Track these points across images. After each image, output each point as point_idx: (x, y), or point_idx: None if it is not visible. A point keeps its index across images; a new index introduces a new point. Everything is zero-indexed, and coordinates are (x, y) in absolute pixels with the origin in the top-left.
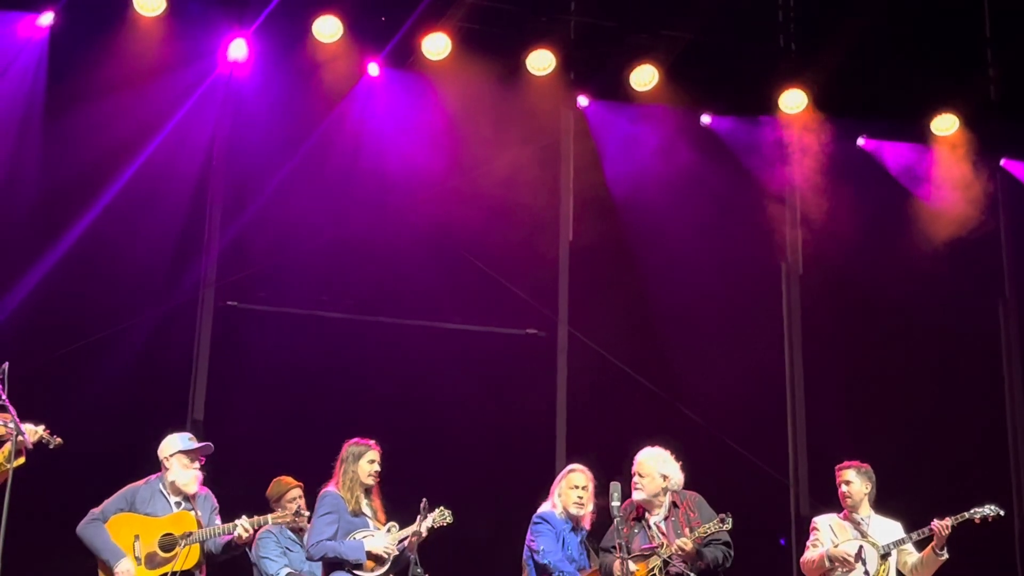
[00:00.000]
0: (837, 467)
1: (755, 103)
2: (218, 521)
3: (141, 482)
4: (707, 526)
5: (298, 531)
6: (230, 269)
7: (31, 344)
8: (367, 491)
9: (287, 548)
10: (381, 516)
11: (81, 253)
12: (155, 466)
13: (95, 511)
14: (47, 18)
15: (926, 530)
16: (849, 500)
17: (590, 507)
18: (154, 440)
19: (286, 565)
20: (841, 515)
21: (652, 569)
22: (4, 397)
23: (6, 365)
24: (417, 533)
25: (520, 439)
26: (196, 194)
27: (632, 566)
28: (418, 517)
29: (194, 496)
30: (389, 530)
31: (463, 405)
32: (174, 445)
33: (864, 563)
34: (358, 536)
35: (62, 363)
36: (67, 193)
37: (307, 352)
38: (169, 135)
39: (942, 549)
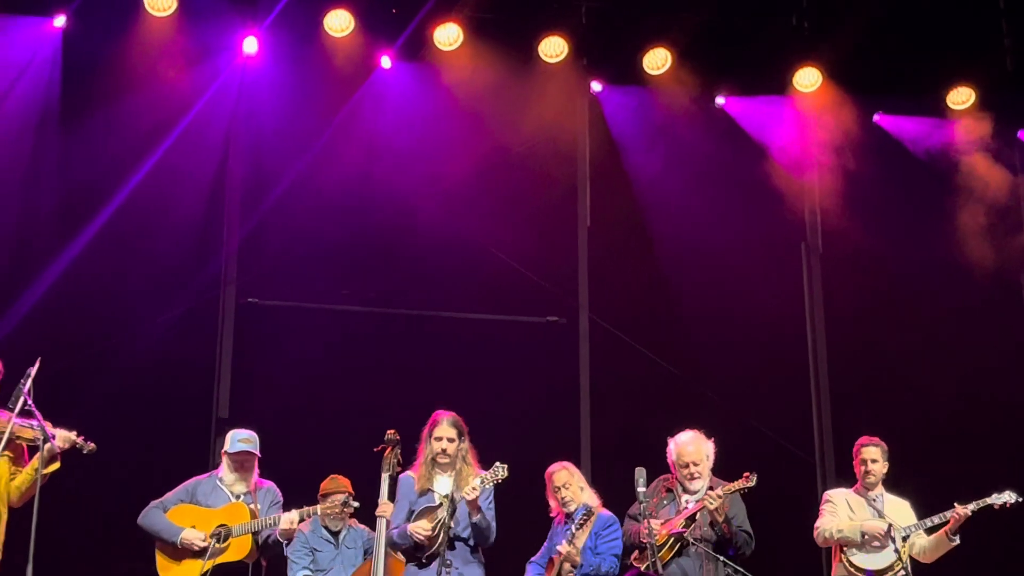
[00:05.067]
0: (859, 443)
1: (769, 82)
2: (279, 514)
3: (205, 475)
4: (732, 484)
5: (335, 532)
6: (249, 266)
7: (51, 345)
8: (445, 468)
9: (315, 548)
10: (464, 486)
11: (99, 254)
12: (180, 465)
13: (155, 502)
14: (60, 21)
15: (946, 514)
16: (871, 477)
17: (575, 502)
18: (179, 439)
19: (306, 567)
20: (853, 489)
21: (675, 530)
22: (31, 403)
23: (31, 370)
24: (460, 498)
25: (544, 427)
26: (213, 192)
27: (656, 526)
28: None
29: (255, 489)
30: (441, 504)
31: (485, 395)
32: (226, 444)
33: (893, 542)
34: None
35: (84, 364)
36: (84, 194)
37: (329, 346)
38: (184, 133)
39: (955, 534)
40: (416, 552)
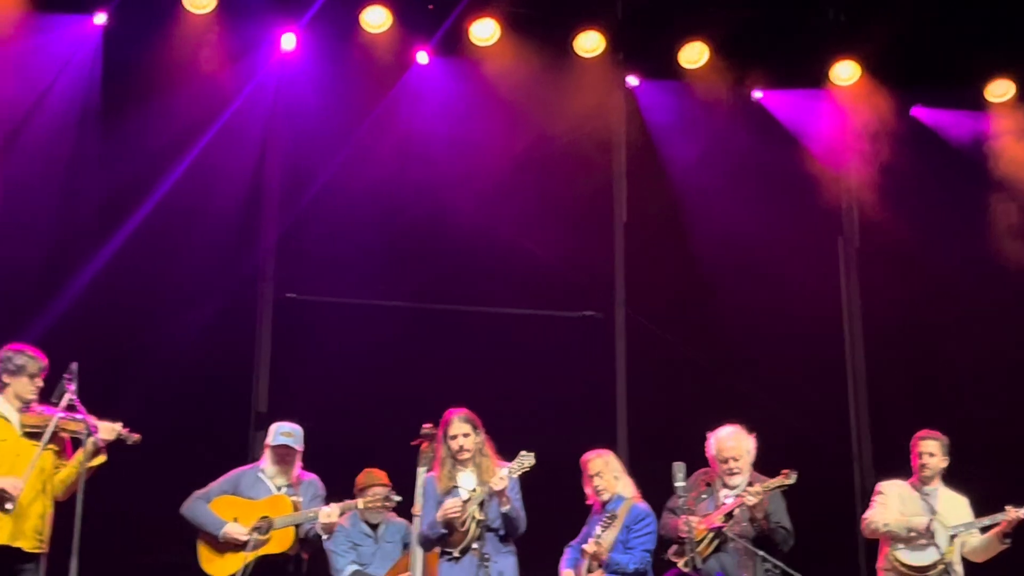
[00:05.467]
0: (917, 436)
1: (807, 76)
2: (319, 507)
3: (248, 466)
4: (771, 481)
5: (374, 526)
6: (287, 261)
7: (94, 339)
8: (466, 463)
9: (355, 543)
10: (488, 477)
11: (140, 249)
12: (219, 457)
13: (199, 492)
14: (100, 18)
15: (998, 516)
16: (927, 471)
17: (608, 491)
18: (219, 434)
19: (354, 561)
20: (909, 483)
21: (714, 525)
22: (75, 397)
23: (75, 365)
24: (488, 488)
25: (581, 422)
26: (251, 187)
27: (694, 521)
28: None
29: (298, 482)
30: (470, 497)
31: (522, 390)
32: (268, 436)
33: (935, 539)
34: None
35: (125, 359)
36: (124, 190)
37: (366, 342)
38: (222, 129)
39: (1007, 537)
40: (447, 544)
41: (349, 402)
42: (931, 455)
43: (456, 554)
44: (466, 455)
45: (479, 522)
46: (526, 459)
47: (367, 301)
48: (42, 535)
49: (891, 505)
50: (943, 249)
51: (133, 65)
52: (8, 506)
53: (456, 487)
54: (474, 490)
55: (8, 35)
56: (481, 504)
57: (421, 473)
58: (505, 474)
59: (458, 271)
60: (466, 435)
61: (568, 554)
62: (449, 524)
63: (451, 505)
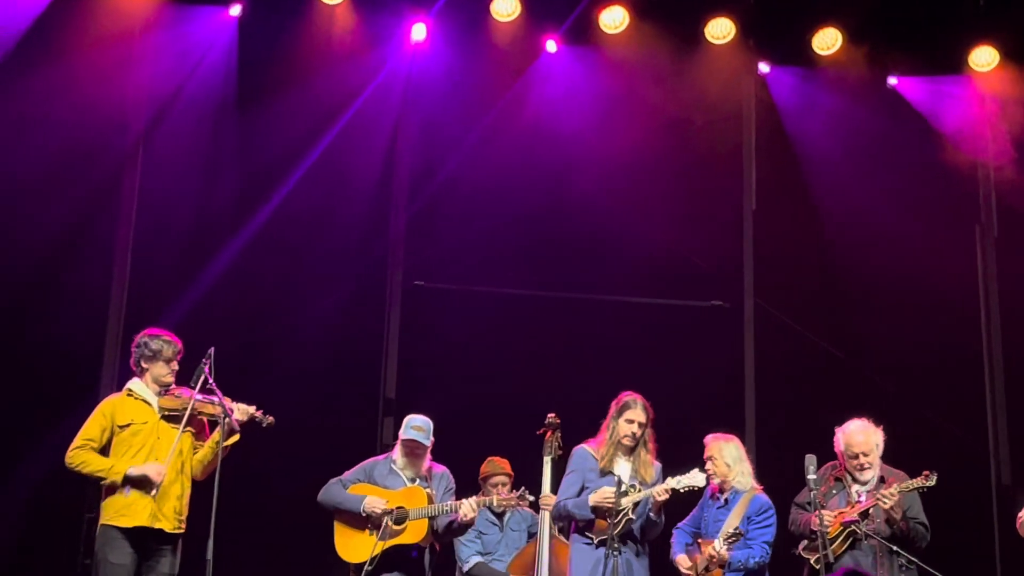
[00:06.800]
0: None
1: (943, 62)
2: (452, 501)
3: (381, 456)
4: (911, 481)
5: (500, 514)
6: (417, 249)
7: (228, 325)
8: (628, 451)
9: (481, 531)
10: (646, 475)
11: (273, 237)
12: (349, 442)
13: (335, 479)
14: (235, 10)
15: None
16: None
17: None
18: (348, 417)
19: (478, 551)
20: None
21: (848, 524)
22: (211, 381)
23: (212, 350)
24: (651, 496)
25: (707, 412)
26: (382, 176)
27: (828, 518)
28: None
29: (429, 473)
30: (627, 491)
31: (648, 379)
32: (401, 429)
33: None
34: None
35: (256, 346)
36: (259, 178)
37: (493, 330)
38: (354, 119)
39: None
40: (588, 528)
41: (474, 389)
42: None
43: (595, 541)
44: (632, 443)
45: (628, 520)
46: (697, 478)
47: (494, 289)
48: (181, 516)
49: None
50: None
51: (267, 56)
52: (152, 492)
53: (612, 473)
54: (633, 486)
55: (147, 27)
56: (636, 504)
57: (547, 462)
58: (671, 487)
59: (585, 259)
60: (641, 424)
61: (677, 536)
62: (598, 512)
63: (607, 496)
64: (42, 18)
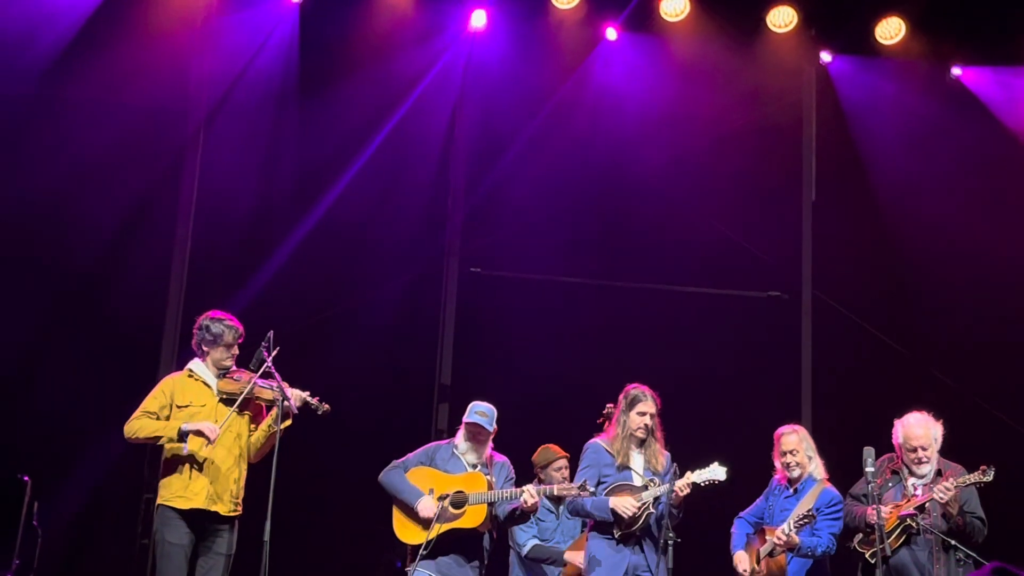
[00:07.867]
0: None
1: (1008, 52)
2: (513, 488)
3: (444, 441)
4: (968, 476)
5: (555, 499)
6: (474, 237)
7: (287, 312)
8: (640, 443)
9: (538, 518)
10: (657, 465)
11: (333, 224)
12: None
13: (397, 462)
14: None
15: None
16: None
17: (800, 468)
18: (404, 402)
19: (535, 536)
20: None
21: (905, 517)
22: (271, 364)
23: (271, 333)
24: (672, 490)
25: (764, 403)
26: (440, 164)
27: (885, 511)
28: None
29: (490, 461)
30: (647, 486)
31: (704, 370)
32: (466, 412)
33: None
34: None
35: (315, 331)
36: (320, 166)
37: (549, 317)
38: (413, 106)
39: None
40: (609, 527)
41: (530, 377)
42: None
43: (616, 537)
44: (644, 435)
45: (649, 515)
46: (717, 472)
47: (550, 277)
48: (237, 499)
49: None
50: None
51: (328, 43)
52: (207, 446)
53: (630, 468)
54: (653, 480)
55: (209, 14)
56: (656, 498)
57: None
58: (693, 482)
59: (643, 248)
60: (653, 415)
61: (738, 526)
62: (617, 516)
63: (629, 506)
64: (107, 3)
